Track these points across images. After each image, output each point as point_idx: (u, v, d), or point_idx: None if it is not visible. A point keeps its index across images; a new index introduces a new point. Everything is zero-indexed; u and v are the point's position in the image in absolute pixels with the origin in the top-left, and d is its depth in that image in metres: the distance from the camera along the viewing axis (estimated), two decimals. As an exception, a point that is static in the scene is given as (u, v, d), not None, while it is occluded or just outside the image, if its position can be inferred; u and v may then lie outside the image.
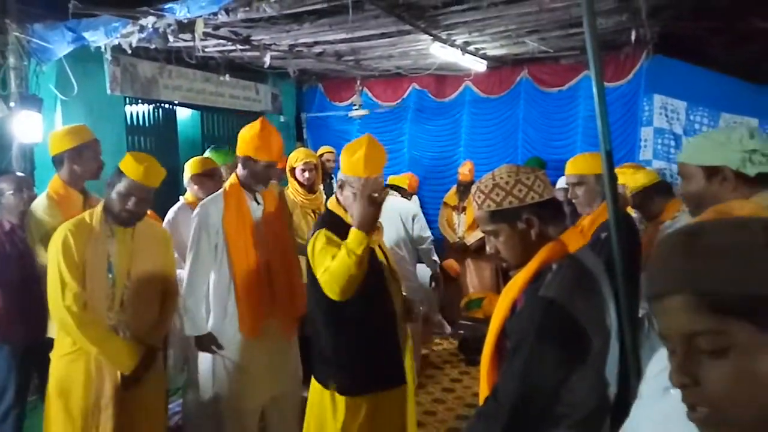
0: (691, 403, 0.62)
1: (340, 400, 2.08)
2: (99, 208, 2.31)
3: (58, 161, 2.88)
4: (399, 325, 2.19)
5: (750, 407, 0.57)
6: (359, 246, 1.92)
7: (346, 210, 2.15)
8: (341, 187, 2.14)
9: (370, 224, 1.95)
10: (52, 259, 2.20)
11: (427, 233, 4.07)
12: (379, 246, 2.25)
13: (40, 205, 2.79)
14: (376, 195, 1.97)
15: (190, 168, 3.19)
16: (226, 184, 2.69)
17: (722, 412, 0.59)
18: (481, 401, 1.56)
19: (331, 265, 1.95)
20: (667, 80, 4.99)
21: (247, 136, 2.57)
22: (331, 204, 2.21)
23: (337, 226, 2.08)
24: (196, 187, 3.15)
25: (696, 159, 1.53)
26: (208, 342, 2.57)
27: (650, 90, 5.04)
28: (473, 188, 1.52)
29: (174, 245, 2.81)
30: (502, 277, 5.21)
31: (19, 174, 3.23)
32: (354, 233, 1.94)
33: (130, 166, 2.27)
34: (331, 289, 1.96)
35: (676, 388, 0.90)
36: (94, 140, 2.92)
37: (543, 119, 5.71)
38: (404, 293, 2.31)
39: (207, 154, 3.65)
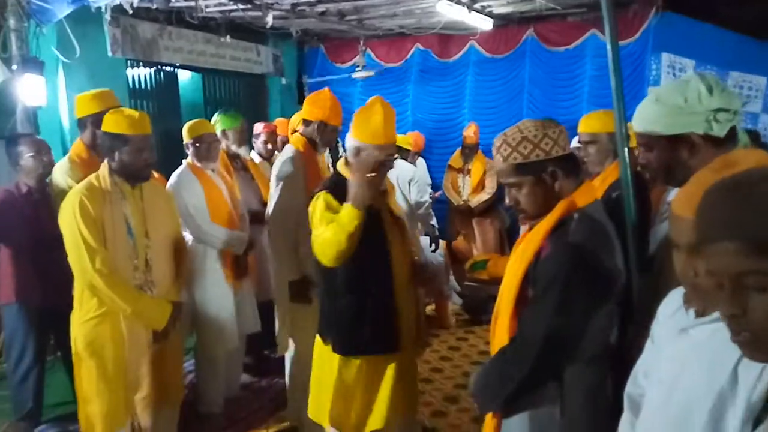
0: (736, 329, 0.71)
1: (336, 357, 2.12)
2: (105, 171, 2.30)
3: (81, 124, 2.88)
4: (402, 291, 2.13)
5: None
6: (351, 222, 1.92)
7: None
8: (357, 154, 2.09)
9: (364, 202, 1.94)
10: (70, 224, 2.17)
11: (425, 197, 4.05)
12: (391, 210, 2.21)
13: (61, 168, 2.79)
14: (373, 174, 1.95)
15: (185, 133, 3.10)
16: (299, 145, 2.86)
17: (763, 336, 0.69)
18: (493, 351, 1.61)
19: (322, 234, 1.97)
20: (675, 38, 4.91)
21: (319, 102, 2.87)
22: (340, 166, 2.19)
23: (342, 190, 2.03)
24: (192, 153, 3.07)
25: (655, 128, 1.36)
26: (304, 286, 2.69)
27: (658, 48, 4.96)
28: (497, 141, 1.54)
29: (177, 208, 2.82)
30: (507, 239, 5.26)
31: (38, 137, 3.22)
32: (347, 209, 1.94)
33: (123, 124, 2.25)
34: (322, 256, 2.00)
35: (693, 328, 0.94)
36: (119, 107, 2.90)
37: (549, 79, 5.63)
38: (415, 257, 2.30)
39: (215, 118, 3.60)
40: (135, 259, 2.27)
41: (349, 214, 1.93)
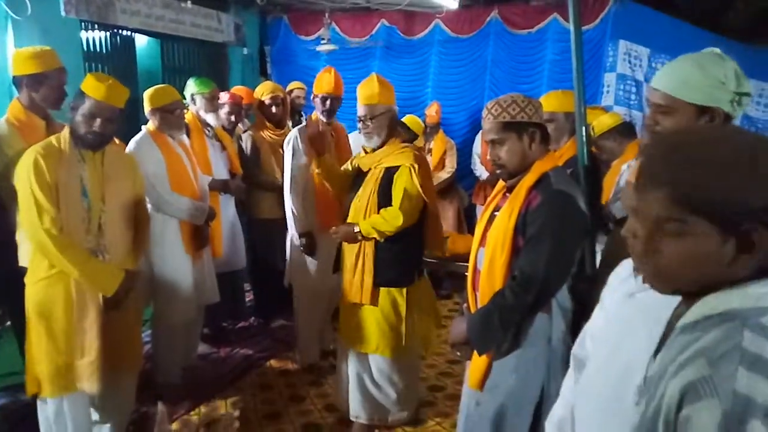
0: (643, 261, 0.82)
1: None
2: (66, 132, 2.26)
3: (17, 84, 2.75)
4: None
5: (688, 274, 0.77)
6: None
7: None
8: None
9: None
10: (23, 182, 2.14)
11: None
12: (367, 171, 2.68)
13: (1, 129, 2.67)
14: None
15: (150, 100, 3.01)
16: (313, 115, 3.34)
17: (665, 273, 0.79)
18: (483, 302, 1.78)
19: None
20: (632, 26, 5.06)
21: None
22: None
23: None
24: (158, 121, 2.99)
25: (687, 94, 1.37)
26: (311, 239, 3.20)
27: (616, 35, 5.11)
28: (490, 104, 1.81)
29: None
30: (465, 218, 5.36)
31: None
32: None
33: (93, 85, 2.22)
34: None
35: (640, 293, 1.01)
36: (60, 69, 2.77)
37: (510, 61, 5.72)
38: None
39: (190, 82, 3.52)
40: (88, 223, 2.24)
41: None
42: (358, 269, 2.57)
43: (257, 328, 4.02)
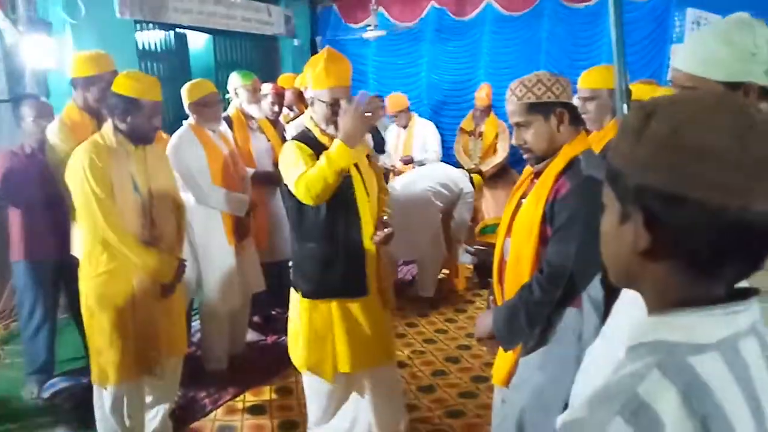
0: None
1: (305, 302, 2.22)
2: (109, 130, 2.32)
3: (74, 85, 2.89)
4: (368, 241, 2.18)
5: (605, 255, 0.71)
6: (340, 157, 1.97)
7: (318, 126, 2.17)
8: (312, 104, 2.18)
9: (355, 140, 2.01)
10: (79, 181, 2.20)
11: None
12: (356, 164, 2.18)
13: (52, 130, 2.83)
14: (369, 114, 2.03)
15: (186, 95, 3.08)
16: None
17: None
18: (509, 295, 1.69)
19: (309, 172, 2.01)
20: (701, -9, 4.65)
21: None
22: (306, 120, 2.26)
23: (308, 141, 2.14)
24: (195, 115, 3.06)
25: (715, 72, 1.23)
26: None
27: (683, 3, 4.71)
28: (514, 84, 1.68)
29: (178, 170, 2.85)
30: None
31: (42, 100, 3.25)
32: (339, 145, 1.99)
33: (137, 88, 2.28)
34: (306, 194, 2.02)
35: None
36: (113, 72, 2.88)
37: (568, 38, 5.42)
38: (385, 214, 2.34)
39: (233, 76, 3.59)
40: (142, 217, 2.32)
41: (339, 150, 1.98)
42: (386, 268, 2.35)
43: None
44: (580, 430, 0.58)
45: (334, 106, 2.10)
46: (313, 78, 2.11)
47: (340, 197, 2.10)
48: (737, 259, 0.59)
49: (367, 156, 2.31)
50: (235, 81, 3.55)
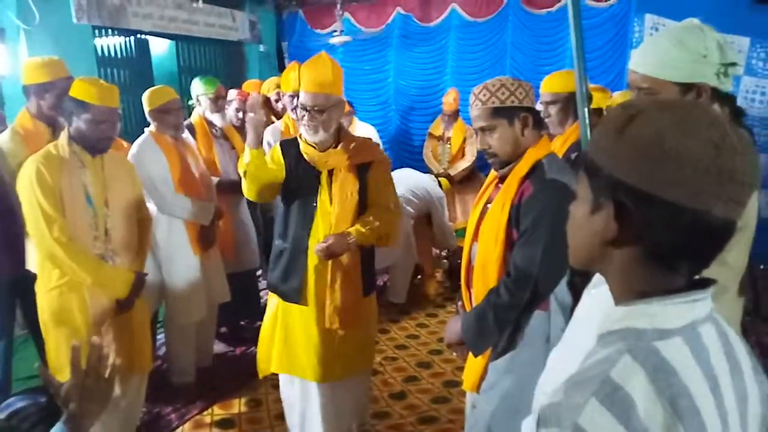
0: None
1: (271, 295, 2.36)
2: (63, 139, 2.25)
3: (26, 92, 2.79)
4: (311, 251, 2.18)
5: (571, 241, 0.76)
6: (248, 159, 2.16)
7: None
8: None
9: (251, 140, 2.16)
10: (27, 192, 2.14)
11: None
12: (331, 171, 2.18)
13: (3, 139, 2.72)
14: (252, 114, 2.16)
15: (147, 102, 2.99)
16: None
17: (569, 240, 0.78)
18: (477, 301, 1.68)
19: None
20: (659, -2, 4.79)
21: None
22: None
23: (289, 143, 2.28)
24: (156, 122, 2.97)
25: (669, 73, 1.30)
26: None
27: (642, 9, 4.84)
28: (477, 89, 1.69)
29: (140, 179, 2.76)
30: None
31: None
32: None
33: (88, 91, 2.21)
34: (246, 192, 2.26)
35: (595, 288, 0.97)
36: (67, 78, 2.79)
37: (532, 43, 5.52)
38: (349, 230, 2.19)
39: (195, 83, 3.50)
40: (95, 229, 2.24)
41: (247, 153, 2.17)
42: (341, 286, 2.19)
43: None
44: (558, 413, 0.61)
45: (309, 112, 2.10)
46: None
47: (302, 201, 2.16)
48: (692, 255, 0.65)
49: (367, 166, 2.22)
50: (198, 89, 3.48)
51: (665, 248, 0.64)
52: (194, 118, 3.48)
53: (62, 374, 2.22)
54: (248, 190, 2.21)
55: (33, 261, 2.64)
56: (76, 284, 2.21)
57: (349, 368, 2.30)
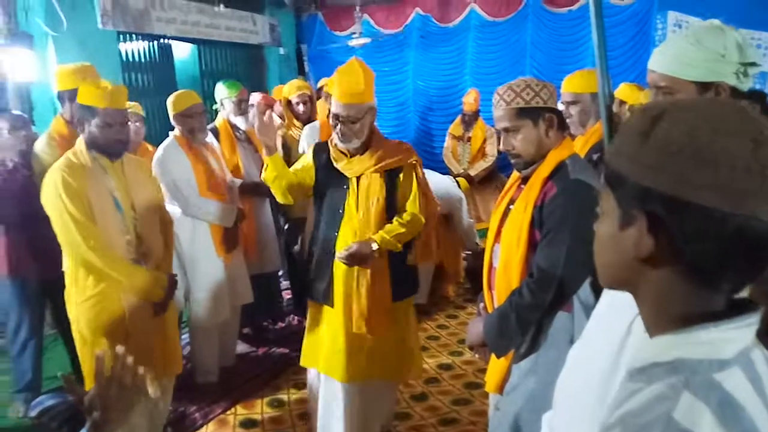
0: None
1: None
2: (81, 146, 2.22)
3: (61, 99, 2.85)
4: (336, 258, 2.21)
5: (600, 259, 0.68)
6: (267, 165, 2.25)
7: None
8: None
9: (265, 145, 2.24)
10: (55, 203, 2.10)
11: None
12: (359, 177, 2.21)
13: (40, 145, 2.79)
14: (265, 118, 2.20)
15: (171, 106, 3.04)
16: (323, 117, 3.07)
17: (596, 259, 0.71)
18: (500, 301, 1.68)
19: None
20: (682, -5, 4.72)
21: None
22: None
23: (322, 147, 2.35)
24: (180, 126, 3.02)
25: (687, 72, 1.31)
26: None
27: (664, 6, 4.79)
28: (501, 89, 1.67)
29: (164, 182, 2.81)
30: (508, 206, 5.19)
31: (15, 112, 3.20)
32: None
33: (95, 96, 2.19)
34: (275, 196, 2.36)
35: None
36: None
37: (552, 42, 5.49)
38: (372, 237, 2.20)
39: (219, 86, 3.54)
40: (126, 234, 2.23)
41: (265, 161, 2.26)
42: (367, 291, 2.20)
43: (296, 327, 4.04)
44: None
45: (343, 122, 2.13)
46: (331, 91, 2.27)
47: (331, 206, 2.19)
48: (738, 269, 0.57)
49: (404, 170, 2.24)
50: (221, 92, 3.52)
51: (708, 263, 0.57)
52: (218, 121, 3.52)
53: None
54: (275, 194, 2.30)
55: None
56: (112, 292, 2.19)
57: (377, 372, 2.31)
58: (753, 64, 1.29)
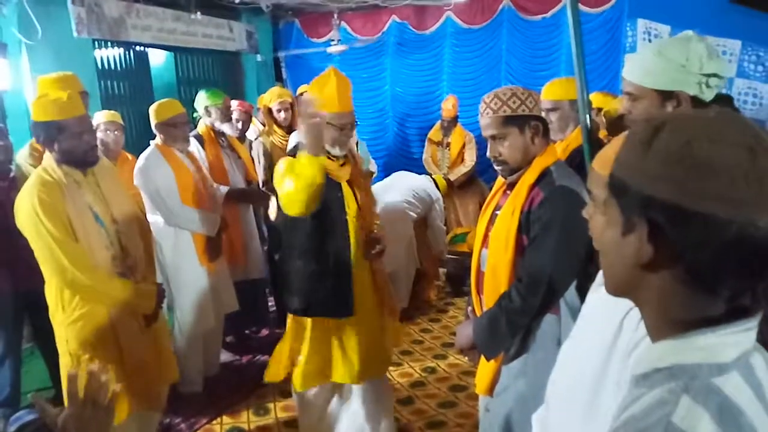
0: None
1: (290, 317, 2.33)
2: (51, 163, 2.10)
3: None
4: (359, 259, 2.23)
5: (605, 265, 0.69)
6: (309, 167, 1.96)
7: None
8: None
9: (316, 147, 1.99)
10: (32, 225, 2.00)
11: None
12: (349, 181, 2.25)
13: (23, 155, 2.74)
14: (316, 120, 2.00)
15: (154, 115, 3.03)
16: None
17: (602, 263, 0.73)
18: (488, 305, 1.72)
19: (286, 187, 2.01)
20: (651, 3, 4.87)
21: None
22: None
23: None
24: (163, 135, 3.01)
25: (649, 80, 1.37)
26: None
27: (634, 14, 4.93)
28: (488, 97, 1.71)
29: (147, 192, 2.79)
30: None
31: None
32: (303, 157, 1.99)
33: (54, 110, 2.06)
34: (289, 207, 2.04)
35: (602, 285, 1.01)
36: (82, 93, 2.78)
37: (526, 49, 5.60)
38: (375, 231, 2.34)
39: (202, 95, 3.52)
40: (111, 248, 2.15)
41: (305, 161, 1.97)
42: (386, 284, 2.43)
43: (279, 334, 4.01)
44: None
45: (343, 130, 2.15)
46: (325, 100, 2.07)
47: (333, 215, 2.15)
48: (737, 275, 0.58)
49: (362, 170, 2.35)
50: (206, 100, 3.49)
51: (707, 269, 0.57)
52: (201, 128, 3.51)
53: None
54: (296, 202, 2.00)
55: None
56: (100, 310, 2.13)
57: (383, 367, 2.46)
58: (715, 75, 1.33)
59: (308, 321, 2.27)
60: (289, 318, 2.35)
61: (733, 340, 0.59)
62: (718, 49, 1.41)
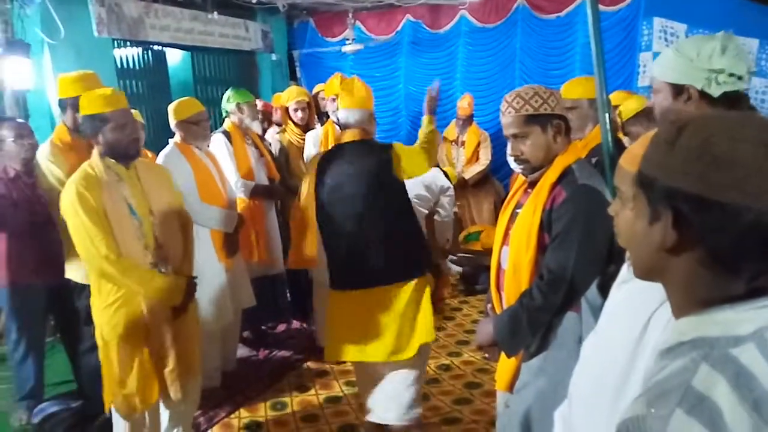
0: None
1: (332, 293, 2.51)
2: (95, 157, 2.25)
3: (63, 106, 2.85)
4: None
5: (633, 253, 0.77)
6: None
7: None
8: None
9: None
10: (71, 215, 2.15)
11: None
12: None
13: (44, 152, 2.79)
14: None
15: (174, 113, 3.08)
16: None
17: (630, 253, 0.80)
18: (509, 302, 1.74)
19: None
20: (667, 1, 4.85)
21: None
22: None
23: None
24: (183, 133, 3.06)
25: (664, 74, 1.45)
26: None
27: (650, 12, 4.90)
28: (510, 96, 1.73)
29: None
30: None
31: (20, 120, 3.19)
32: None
33: (100, 103, 2.20)
34: None
35: (627, 283, 1.04)
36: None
37: (540, 48, 5.58)
38: None
39: (231, 93, 3.56)
40: (143, 239, 2.25)
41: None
42: None
43: (296, 330, 4.08)
44: (641, 427, 0.62)
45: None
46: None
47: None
48: (755, 258, 0.64)
49: None
50: (237, 97, 3.52)
51: (727, 251, 0.64)
52: (227, 125, 3.54)
53: (124, 387, 2.24)
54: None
55: (73, 270, 2.74)
56: (132, 297, 2.21)
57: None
58: (722, 72, 1.35)
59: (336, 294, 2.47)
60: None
61: (750, 316, 0.64)
62: (743, 49, 1.41)
